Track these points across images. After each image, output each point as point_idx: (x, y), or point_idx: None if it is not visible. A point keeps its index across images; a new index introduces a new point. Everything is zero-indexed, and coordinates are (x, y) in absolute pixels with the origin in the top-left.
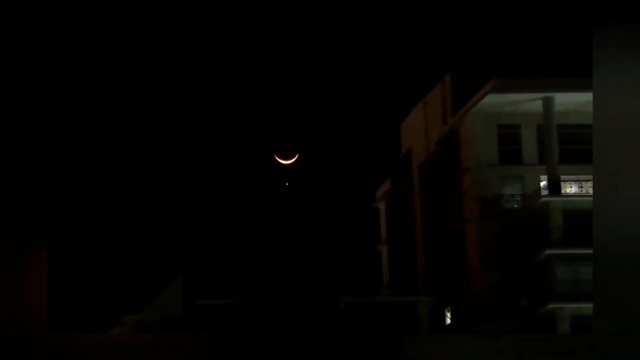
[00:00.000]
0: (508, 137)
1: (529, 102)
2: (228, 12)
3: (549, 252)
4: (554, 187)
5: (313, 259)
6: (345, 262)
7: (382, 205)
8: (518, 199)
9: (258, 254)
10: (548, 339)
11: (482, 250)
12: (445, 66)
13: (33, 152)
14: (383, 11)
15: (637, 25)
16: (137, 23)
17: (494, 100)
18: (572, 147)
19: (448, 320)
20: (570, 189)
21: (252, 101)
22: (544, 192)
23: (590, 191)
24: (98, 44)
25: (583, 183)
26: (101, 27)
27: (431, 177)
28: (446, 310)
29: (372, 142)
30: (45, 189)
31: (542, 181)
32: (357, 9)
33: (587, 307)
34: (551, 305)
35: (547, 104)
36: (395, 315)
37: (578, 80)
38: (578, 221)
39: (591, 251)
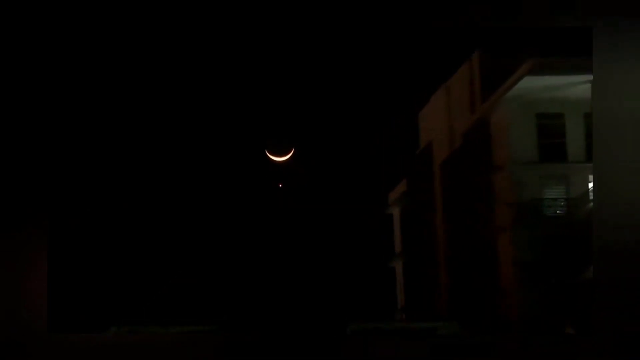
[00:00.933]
0: (549, 128)
1: (575, 86)
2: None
3: None
4: None
5: (312, 277)
6: (351, 280)
7: (396, 212)
8: (562, 204)
9: (247, 270)
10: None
11: (518, 267)
12: (472, 42)
13: (33, 151)
14: None
15: (637, 23)
16: (129, 20)
17: (532, 84)
18: None
19: None
20: None
21: (238, 87)
22: None
23: None
24: (97, 44)
25: None
26: (99, 27)
27: (455, 178)
28: None
29: (384, 135)
30: (45, 189)
31: (591, 182)
32: None
33: None
34: None
35: None
36: (411, 344)
37: None
38: None
39: None
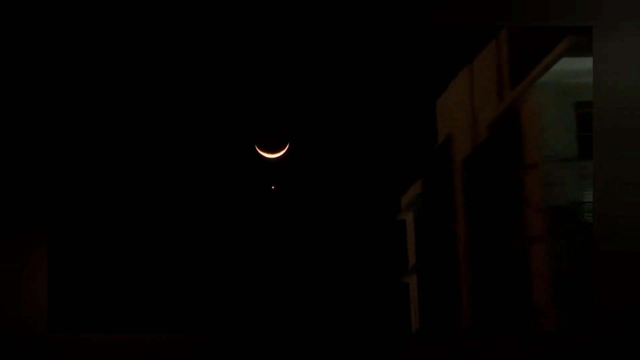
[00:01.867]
0: (591, 119)
1: None
2: None
3: None
4: None
5: (311, 294)
6: (358, 298)
7: (409, 218)
8: None
9: (228, 285)
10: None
11: (554, 282)
12: (499, 16)
13: (33, 152)
14: None
15: (637, 23)
16: (121, 17)
17: (570, 67)
18: None
19: None
20: None
21: (226, 74)
22: None
23: None
24: (97, 44)
25: None
26: (99, 27)
27: (480, 177)
28: None
29: (395, 127)
30: (45, 189)
31: None
32: None
33: None
34: None
35: None
36: None
37: None
38: None
39: None
